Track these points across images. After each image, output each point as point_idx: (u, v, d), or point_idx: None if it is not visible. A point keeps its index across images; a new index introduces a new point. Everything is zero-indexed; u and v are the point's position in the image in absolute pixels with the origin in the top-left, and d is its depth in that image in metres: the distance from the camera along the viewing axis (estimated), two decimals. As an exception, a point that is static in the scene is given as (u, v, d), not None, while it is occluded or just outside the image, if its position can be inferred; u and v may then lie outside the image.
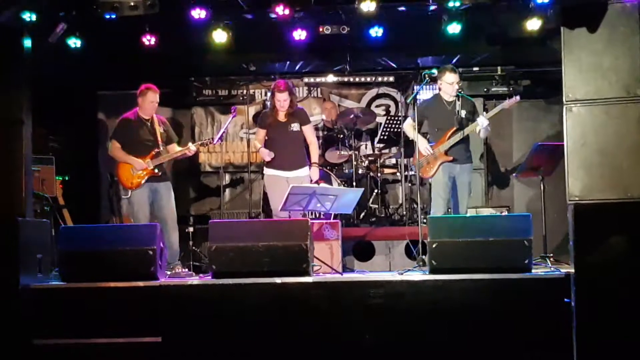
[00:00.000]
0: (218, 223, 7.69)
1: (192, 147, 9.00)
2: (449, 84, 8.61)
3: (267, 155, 8.87)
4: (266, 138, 9.02)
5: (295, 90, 9.28)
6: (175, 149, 9.04)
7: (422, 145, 8.66)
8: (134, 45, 9.08)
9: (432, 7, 8.74)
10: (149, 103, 8.85)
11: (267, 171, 9.00)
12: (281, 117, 8.96)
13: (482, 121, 8.48)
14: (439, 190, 8.61)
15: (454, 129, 8.57)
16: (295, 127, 8.95)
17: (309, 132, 9.09)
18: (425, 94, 10.86)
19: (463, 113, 8.61)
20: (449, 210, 8.78)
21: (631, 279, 6.40)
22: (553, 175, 8.86)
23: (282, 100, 8.88)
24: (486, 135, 8.75)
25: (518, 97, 8.68)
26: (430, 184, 8.85)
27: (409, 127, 8.97)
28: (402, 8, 9.02)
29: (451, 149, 8.58)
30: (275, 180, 8.85)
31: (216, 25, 8.85)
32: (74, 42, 8.83)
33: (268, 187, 9.06)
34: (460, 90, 8.72)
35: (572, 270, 6.54)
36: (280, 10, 8.22)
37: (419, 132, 8.79)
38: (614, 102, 6.85)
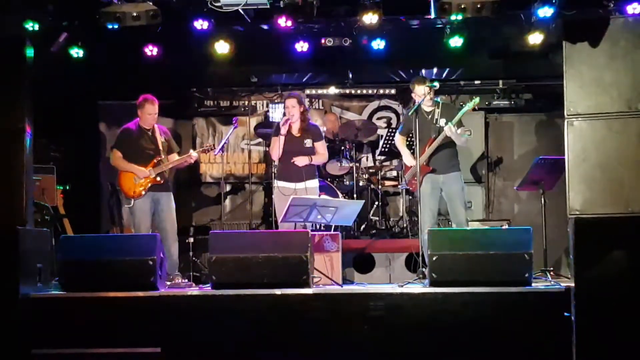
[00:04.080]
0: (218, 234, 7.68)
1: (193, 154, 9.01)
2: (419, 97, 8.49)
3: (284, 121, 8.79)
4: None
5: (305, 102, 9.22)
6: (175, 158, 9.04)
7: (406, 157, 8.64)
8: (136, 56, 9.12)
9: (435, 20, 8.76)
10: (147, 114, 8.86)
11: (277, 183, 8.98)
12: (295, 131, 8.93)
13: (447, 130, 8.31)
14: (425, 202, 8.45)
15: (432, 138, 8.48)
16: (308, 143, 8.93)
17: (319, 147, 9.05)
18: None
19: (442, 121, 8.46)
20: (449, 222, 8.75)
21: (631, 293, 6.39)
22: (554, 189, 8.86)
23: (291, 106, 8.86)
24: (462, 141, 8.51)
25: (477, 99, 8.50)
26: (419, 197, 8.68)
27: (399, 141, 8.94)
28: (405, 21, 9.04)
29: (431, 159, 8.50)
30: (285, 192, 8.78)
31: (218, 36, 8.87)
32: (77, 52, 8.87)
33: (277, 198, 8.98)
34: (435, 99, 8.61)
35: (572, 285, 6.53)
36: (283, 22, 8.25)
37: (408, 141, 8.81)
38: (616, 116, 6.85)
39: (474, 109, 8.47)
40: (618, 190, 6.76)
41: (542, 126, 11.63)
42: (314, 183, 8.98)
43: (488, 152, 11.75)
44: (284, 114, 8.99)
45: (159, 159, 8.85)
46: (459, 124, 8.43)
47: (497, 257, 6.87)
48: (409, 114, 8.37)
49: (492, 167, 11.82)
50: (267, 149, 10.59)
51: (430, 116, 8.58)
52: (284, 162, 8.90)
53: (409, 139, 8.96)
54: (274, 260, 7.08)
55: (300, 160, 8.83)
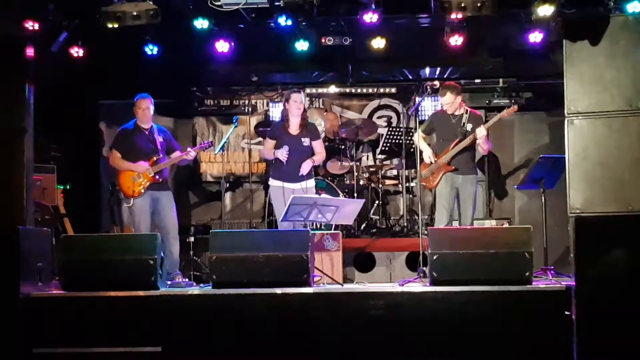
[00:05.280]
0: (219, 233, 7.69)
1: (192, 152, 9.01)
2: (446, 104, 8.72)
3: (285, 153, 8.75)
4: (275, 150, 8.95)
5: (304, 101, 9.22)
6: (176, 155, 9.04)
7: (427, 153, 8.71)
8: (136, 55, 9.09)
9: (434, 19, 8.75)
10: (141, 111, 8.89)
11: (273, 182, 8.91)
12: (293, 130, 8.90)
13: (480, 131, 8.52)
14: (443, 200, 8.68)
15: (458, 140, 8.62)
16: (306, 142, 8.89)
17: (318, 146, 9.03)
18: (426, 105, 10.89)
19: (469, 126, 8.66)
20: (454, 220, 8.79)
21: (632, 291, 6.39)
22: (554, 187, 8.86)
23: (299, 101, 8.85)
24: (487, 148, 8.74)
25: (516, 107, 8.74)
26: (434, 195, 8.84)
27: (419, 137, 8.99)
28: (404, 20, 9.03)
29: (453, 159, 8.63)
30: (281, 192, 8.74)
31: (218, 35, 8.86)
32: (77, 51, 8.84)
33: (273, 198, 8.94)
34: (465, 107, 8.78)
35: (573, 283, 6.54)
36: (283, 20, 8.23)
37: (428, 141, 8.87)
38: (616, 115, 6.85)
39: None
40: (618, 189, 6.76)
41: (542, 125, 11.63)
42: (312, 182, 9.00)
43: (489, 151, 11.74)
44: (284, 109, 8.98)
45: (158, 157, 8.85)
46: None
47: (498, 255, 6.87)
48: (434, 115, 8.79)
49: (493, 165, 11.82)
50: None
51: (456, 120, 8.73)
52: (282, 162, 8.85)
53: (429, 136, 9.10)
54: (275, 260, 7.08)
55: (306, 167, 8.82)
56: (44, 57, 8.11)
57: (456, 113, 8.75)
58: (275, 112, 12.00)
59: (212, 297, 7.01)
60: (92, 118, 11.89)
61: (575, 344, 6.41)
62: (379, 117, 12.27)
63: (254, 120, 11.94)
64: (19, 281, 6.82)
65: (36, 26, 7.93)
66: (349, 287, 7.77)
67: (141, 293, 7.00)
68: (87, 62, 9.05)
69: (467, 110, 8.80)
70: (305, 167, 8.83)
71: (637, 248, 6.44)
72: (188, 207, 11.95)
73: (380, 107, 12.32)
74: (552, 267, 8.27)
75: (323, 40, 9.59)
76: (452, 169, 8.63)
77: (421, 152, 8.78)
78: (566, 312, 6.51)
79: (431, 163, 8.70)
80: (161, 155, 8.89)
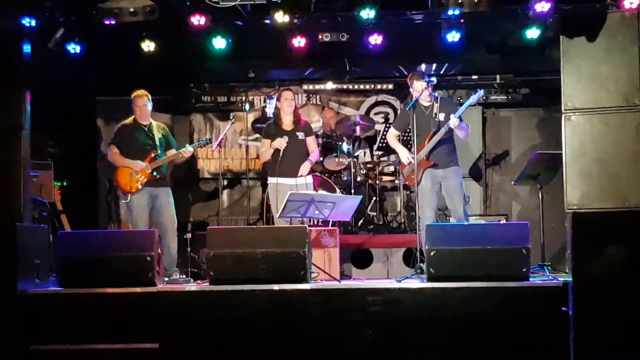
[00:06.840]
0: (216, 229, 7.69)
1: (189, 148, 9.02)
2: (417, 92, 8.47)
3: (284, 142, 8.83)
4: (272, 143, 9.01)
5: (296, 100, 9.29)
6: (172, 152, 9.03)
7: (404, 155, 8.65)
8: (134, 52, 9.08)
9: (432, 15, 8.74)
10: (140, 107, 8.89)
11: (271, 180, 8.99)
12: (286, 125, 9.00)
13: (452, 121, 8.27)
14: (425, 197, 8.44)
15: (432, 133, 8.46)
16: (300, 135, 9.02)
17: (311, 142, 9.16)
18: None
19: (441, 116, 8.46)
20: (448, 218, 8.75)
21: (629, 287, 6.40)
22: (551, 183, 8.86)
23: (290, 98, 9.02)
24: (464, 134, 8.53)
25: (482, 92, 8.54)
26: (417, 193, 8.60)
27: (392, 137, 8.94)
28: (402, 16, 9.03)
29: (431, 153, 8.46)
30: (279, 189, 8.79)
31: (215, 31, 8.86)
32: (74, 48, 8.83)
33: (272, 195, 8.98)
34: (436, 96, 8.63)
35: (570, 279, 6.54)
36: (280, 17, 8.22)
37: (404, 137, 8.80)
38: (613, 111, 6.87)
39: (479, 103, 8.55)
40: (615, 185, 6.78)
41: (539, 121, 11.63)
42: (310, 179, 9.11)
43: (485, 147, 11.75)
44: (275, 107, 9.06)
45: (156, 154, 8.84)
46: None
47: (495, 252, 6.88)
48: (407, 109, 8.36)
49: (490, 162, 11.82)
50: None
51: (428, 111, 8.55)
52: (277, 158, 8.90)
53: (404, 135, 9.00)
54: (272, 256, 7.09)
55: (305, 169, 8.97)
56: (40, 54, 8.10)
57: (426, 104, 8.57)
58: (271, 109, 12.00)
59: (209, 294, 7.01)
60: (89, 115, 11.88)
61: (572, 340, 6.42)
62: (376, 114, 12.27)
63: (251, 117, 11.94)
64: (16, 278, 6.82)
65: (33, 22, 7.92)
66: (346, 284, 7.76)
67: (138, 290, 7.01)
68: (84, 59, 9.05)
69: (437, 98, 8.62)
70: (304, 169, 8.95)
71: (634, 244, 6.44)
72: (185, 204, 11.93)
73: (377, 104, 12.32)
74: (549, 263, 8.28)
75: (320, 37, 9.56)
76: (432, 164, 8.45)
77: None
78: (563, 308, 6.52)
79: (410, 162, 8.59)
80: (159, 152, 8.89)
